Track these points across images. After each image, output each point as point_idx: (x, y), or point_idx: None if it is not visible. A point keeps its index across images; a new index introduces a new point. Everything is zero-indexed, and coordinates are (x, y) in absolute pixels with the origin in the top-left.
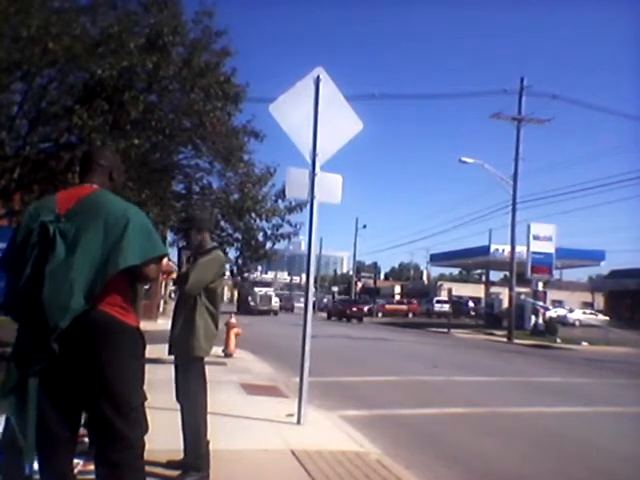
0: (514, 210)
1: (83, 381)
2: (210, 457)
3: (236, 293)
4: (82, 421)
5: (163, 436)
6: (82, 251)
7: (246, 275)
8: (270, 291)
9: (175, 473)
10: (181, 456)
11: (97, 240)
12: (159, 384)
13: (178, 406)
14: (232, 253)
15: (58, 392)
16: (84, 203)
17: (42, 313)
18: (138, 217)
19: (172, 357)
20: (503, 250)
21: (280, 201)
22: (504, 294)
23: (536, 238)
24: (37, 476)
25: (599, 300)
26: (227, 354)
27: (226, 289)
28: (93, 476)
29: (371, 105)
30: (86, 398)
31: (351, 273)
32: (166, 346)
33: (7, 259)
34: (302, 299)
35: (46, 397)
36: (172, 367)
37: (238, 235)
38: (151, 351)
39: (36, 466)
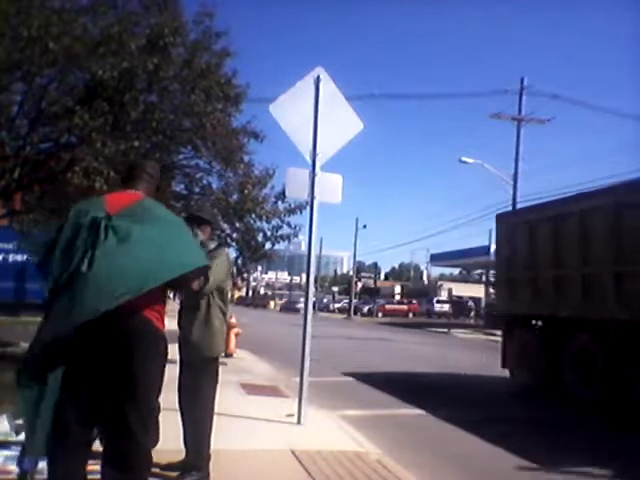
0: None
1: (109, 383)
2: (210, 457)
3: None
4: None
5: (162, 436)
6: (133, 246)
7: None
8: None
9: (175, 474)
10: (179, 457)
11: (147, 241)
12: None
13: (176, 405)
14: (232, 253)
15: (81, 394)
16: (135, 207)
17: (78, 297)
18: (184, 229)
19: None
20: None
21: (280, 202)
22: None
23: None
24: (38, 476)
25: None
26: (227, 354)
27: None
28: (96, 476)
29: (371, 105)
30: (109, 401)
31: (351, 273)
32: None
33: (45, 262)
34: (302, 299)
35: (69, 399)
36: (170, 367)
37: (238, 236)
38: None
39: (40, 465)
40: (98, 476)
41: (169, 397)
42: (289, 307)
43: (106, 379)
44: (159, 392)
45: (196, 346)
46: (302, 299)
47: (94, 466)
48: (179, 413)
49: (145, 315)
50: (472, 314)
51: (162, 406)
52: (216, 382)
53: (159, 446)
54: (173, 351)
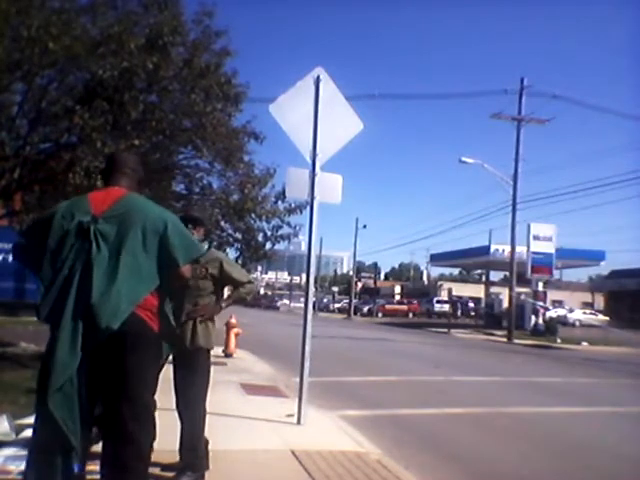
0: (514, 210)
1: (106, 382)
2: (209, 457)
3: None
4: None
5: (163, 437)
6: (126, 254)
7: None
8: None
9: (171, 474)
10: (176, 457)
11: (138, 244)
12: None
13: (173, 405)
14: (232, 253)
15: (79, 396)
16: (119, 205)
17: (85, 314)
18: (173, 220)
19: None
20: (503, 250)
21: (280, 202)
22: (504, 294)
23: (536, 238)
24: (89, 476)
25: (599, 300)
26: (227, 354)
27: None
28: (96, 476)
29: (371, 105)
30: (106, 401)
31: (351, 273)
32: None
33: (24, 254)
34: (302, 299)
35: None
36: (166, 367)
37: (238, 236)
38: None
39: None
40: (97, 476)
41: (167, 397)
42: (270, 305)
43: (101, 379)
44: (154, 390)
45: (187, 338)
46: (279, 299)
47: (93, 466)
48: (176, 413)
49: (138, 315)
50: (459, 313)
51: (160, 406)
52: (208, 381)
53: (159, 446)
54: None
